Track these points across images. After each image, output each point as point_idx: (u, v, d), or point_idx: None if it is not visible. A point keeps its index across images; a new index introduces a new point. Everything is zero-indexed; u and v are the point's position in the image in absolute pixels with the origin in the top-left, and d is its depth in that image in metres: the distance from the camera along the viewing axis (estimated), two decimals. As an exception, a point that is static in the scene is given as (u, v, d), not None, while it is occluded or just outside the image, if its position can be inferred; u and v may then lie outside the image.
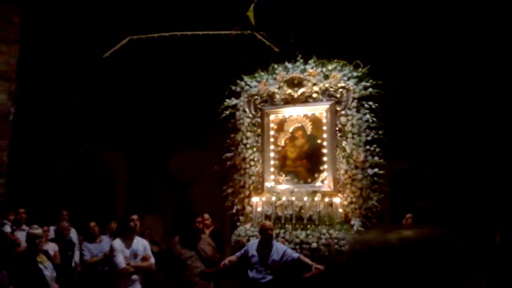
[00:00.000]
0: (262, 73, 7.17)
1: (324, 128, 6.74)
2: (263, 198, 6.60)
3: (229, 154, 7.16)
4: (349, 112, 6.59)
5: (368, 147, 6.48)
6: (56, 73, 8.51)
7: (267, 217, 6.39)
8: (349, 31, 7.73)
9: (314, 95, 6.78)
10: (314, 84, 6.77)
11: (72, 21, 7.41)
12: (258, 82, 7.11)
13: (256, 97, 7.07)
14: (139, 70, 8.78)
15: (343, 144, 6.54)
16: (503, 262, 6.49)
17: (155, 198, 11.29)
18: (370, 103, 6.59)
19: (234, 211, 6.93)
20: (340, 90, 6.67)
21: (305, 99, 6.83)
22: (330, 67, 6.82)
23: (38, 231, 5.25)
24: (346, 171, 6.48)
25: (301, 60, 6.98)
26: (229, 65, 7.97)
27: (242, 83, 7.20)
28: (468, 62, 7.97)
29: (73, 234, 7.54)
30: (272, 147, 6.96)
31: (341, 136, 6.61)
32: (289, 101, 6.91)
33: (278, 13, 7.40)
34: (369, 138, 6.53)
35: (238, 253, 5.72)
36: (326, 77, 6.79)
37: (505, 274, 6.25)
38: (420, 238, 0.93)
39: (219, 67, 8.38)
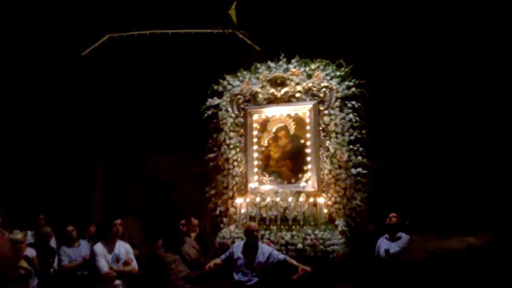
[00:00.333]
0: (244, 72, 7.09)
1: (308, 127, 6.71)
2: (247, 199, 6.52)
3: (211, 155, 7.06)
4: (332, 111, 6.58)
5: (351, 146, 6.48)
6: (33, 74, 8.22)
7: (252, 218, 6.31)
8: (330, 30, 7.73)
9: (297, 94, 6.74)
10: (297, 84, 6.74)
11: (48, 18, 7.16)
12: (241, 81, 7.03)
13: (239, 96, 6.99)
14: (118, 69, 8.57)
15: (327, 144, 6.53)
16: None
17: (133, 200, 11.08)
18: (353, 102, 6.60)
19: (217, 212, 6.82)
20: (323, 89, 6.66)
21: (288, 99, 6.79)
22: (313, 67, 6.79)
23: (19, 236, 5.06)
24: (330, 171, 6.47)
25: (284, 59, 6.93)
26: (211, 64, 7.87)
27: (225, 83, 7.11)
28: (447, 63, 8.08)
29: (52, 239, 7.31)
30: (255, 147, 6.89)
31: (324, 136, 6.59)
32: (272, 100, 6.85)
33: (259, 11, 7.33)
34: (352, 137, 6.53)
35: (223, 256, 5.63)
36: (309, 76, 6.76)
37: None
38: (487, 245, 0.88)
39: (200, 66, 8.26)
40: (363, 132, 6.55)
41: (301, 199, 6.28)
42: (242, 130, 6.93)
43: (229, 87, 7.07)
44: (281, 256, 5.46)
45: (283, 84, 6.79)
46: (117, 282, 5.12)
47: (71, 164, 10.27)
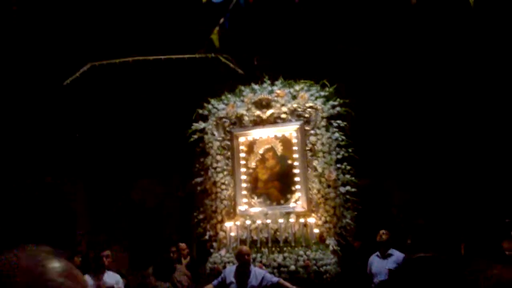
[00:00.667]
0: (229, 96, 7.11)
1: (295, 148, 6.73)
2: (237, 223, 6.46)
3: (199, 179, 6.99)
4: (318, 131, 6.62)
5: (339, 165, 6.51)
6: (15, 103, 8.10)
7: (242, 241, 6.24)
8: (312, 51, 7.83)
9: (283, 115, 6.77)
10: (283, 105, 6.78)
11: (29, 46, 7.10)
12: (226, 104, 7.04)
13: (224, 119, 6.98)
14: (101, 97, 8.51)
15: (314, 164, 6.54)
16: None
17: (117, 228, 10.87)
18: (339, 121, 6.66)
19: (207, 237, 6.72)
20: (309, 109, 6.71)
21: (274, 120, 6.82)
22: (297, 88, 6.85)
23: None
24: (318, 191, 6.47)
25: (268, 82, 6.98)
26: (195, 89, 7.87)
27: (210, 106, 7.11)
28: (430, 81, 8.24)
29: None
30: (243, 169, 6.86)
31: (311, 156, 6.61)
32: (258, 122, 6.87)
33: (241, 35, 7.40)
34: (339, 156, 6.57)
35: (215, 281, 5.53)
36: (294, 97, 6.81)
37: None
38: None
39: (185, 91, 8.26)
40: (350, 150, 6.59)
41: (292, 220, 6.24)
42: (229, 153, 6.90)
43: (214, 110, 7.07)
44: (275, 279, 5.39)
45: (268, 106, 6.83)
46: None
47: (54, 192, 10.05)
